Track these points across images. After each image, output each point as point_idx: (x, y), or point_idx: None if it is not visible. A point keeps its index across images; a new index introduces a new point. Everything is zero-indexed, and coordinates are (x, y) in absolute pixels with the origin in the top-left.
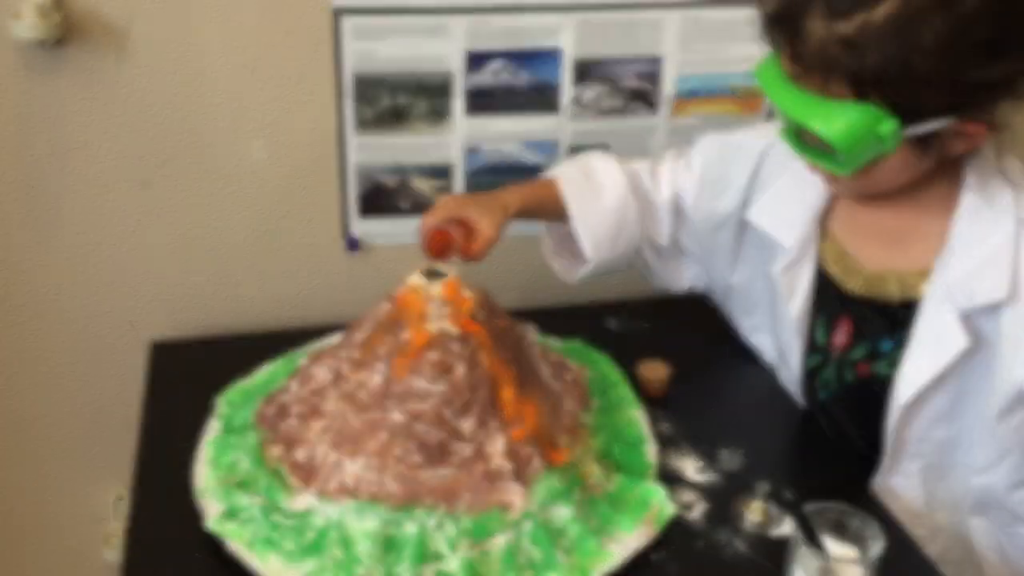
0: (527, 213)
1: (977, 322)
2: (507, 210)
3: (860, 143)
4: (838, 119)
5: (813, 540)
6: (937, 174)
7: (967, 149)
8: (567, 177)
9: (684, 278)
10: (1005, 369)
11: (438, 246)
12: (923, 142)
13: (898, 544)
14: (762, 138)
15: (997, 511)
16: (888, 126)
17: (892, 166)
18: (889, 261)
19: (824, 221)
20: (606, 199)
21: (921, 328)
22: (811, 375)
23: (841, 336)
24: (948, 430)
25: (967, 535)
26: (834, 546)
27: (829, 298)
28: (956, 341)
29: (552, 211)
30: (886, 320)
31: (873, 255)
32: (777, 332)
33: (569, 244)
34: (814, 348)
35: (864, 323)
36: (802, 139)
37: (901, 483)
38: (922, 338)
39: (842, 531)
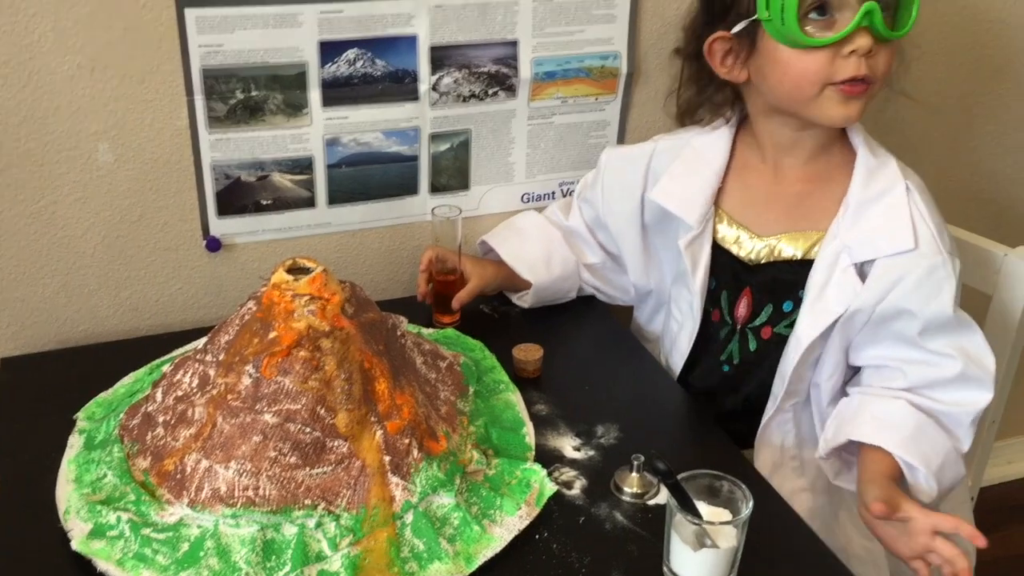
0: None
1: (863, 270)
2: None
3: None
4: None
5: (687, 506)
6: (836, 143)
7: None
8: (493, 234)
9: (628, 289)
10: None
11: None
12: None
13: (767, 502)
14: (647, 145)
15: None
16: None
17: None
18: (789, 224)
19: (716, 201)
20: (527, 233)
21: (818, 280)
22: (720, 347)
23: (743, 307)
24: (817, 366)
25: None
26: (707, 510)
27: (729, 272)
28: (854, 288)
29: (497, 268)
30: (785, 282)
31: (770, 222)
32: (673, 311)
33: (523, 283)
34: (721, 321)
35: (763, 290)
36: (878, 30)
37: (778, 426)
38: (820, 288)
39: (714, 495)
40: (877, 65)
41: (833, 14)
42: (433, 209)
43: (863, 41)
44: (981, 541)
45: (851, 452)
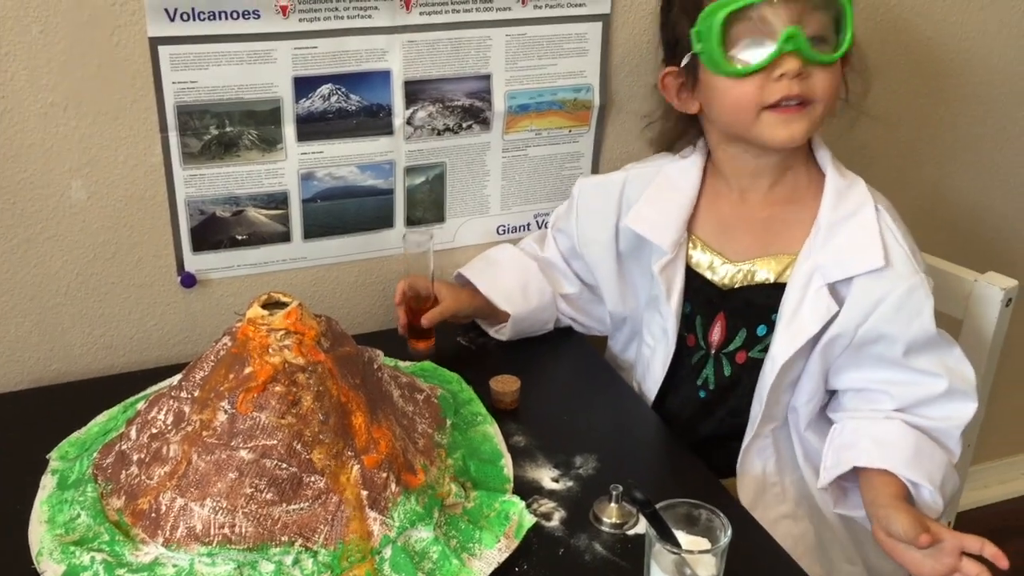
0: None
1: (839, 291)
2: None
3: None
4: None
5: (666, 535)
6: (802, 164)
7: None
8: (469, 267)
9: (604, 319)
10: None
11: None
12: None
13: (746, 529)
14: (619, 174)
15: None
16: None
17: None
18: (761, 249)
19: (689, 228)
20: (503, 264)
21: (792, 300)
22: (694, 372)
23: (717, 332)
24: (793, 389)
25: (808, 490)
26: (686, 539)
27: (703, 297)
28: (828, 308)
29: (472, 295)
30: (759, 305)
31: (743, 247)
32: (646, 336)
33: (501, 316)
34: (696, 346)
35: (737, 314)
36: (805, 54)
37: (758, 453)
38: (794, 308)
39: (693, 524)
40: (814, 86)
41: (762, 41)
42: (404, 234)
43: (791, 64)
44: (1003, 562)
45: (845, 478)
